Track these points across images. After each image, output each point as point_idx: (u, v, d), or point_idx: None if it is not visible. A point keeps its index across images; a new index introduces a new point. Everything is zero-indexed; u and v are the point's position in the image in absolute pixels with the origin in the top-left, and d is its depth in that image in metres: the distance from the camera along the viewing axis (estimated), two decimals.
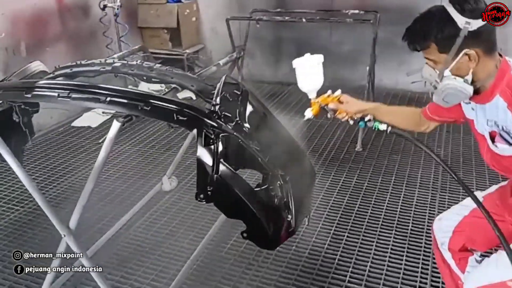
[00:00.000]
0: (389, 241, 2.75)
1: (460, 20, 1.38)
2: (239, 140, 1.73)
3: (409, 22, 1.50)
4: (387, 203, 3.15)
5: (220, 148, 1.68)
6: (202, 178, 1.65)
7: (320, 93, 1.83)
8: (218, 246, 2.72)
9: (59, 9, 4.71)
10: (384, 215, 3.02)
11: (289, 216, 1.75)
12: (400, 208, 3.08)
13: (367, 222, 2.95)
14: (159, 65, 2.13)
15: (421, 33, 1.44)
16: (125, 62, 2.16)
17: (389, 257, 2.60)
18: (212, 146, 1.67)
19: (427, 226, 2.83)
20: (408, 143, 3.87)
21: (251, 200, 1.67)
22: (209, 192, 1.65)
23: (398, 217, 2.98)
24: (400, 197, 3.21)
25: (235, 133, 1.73)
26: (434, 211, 3.02)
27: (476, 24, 1.38)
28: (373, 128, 1.70)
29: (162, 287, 2.43)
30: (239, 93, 1.93)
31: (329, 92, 1.81)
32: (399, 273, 2.48)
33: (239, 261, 2.62)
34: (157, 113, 1.72)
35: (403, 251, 2.65)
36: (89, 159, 4.00)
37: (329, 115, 1.79)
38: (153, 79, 2.11)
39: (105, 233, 2.81)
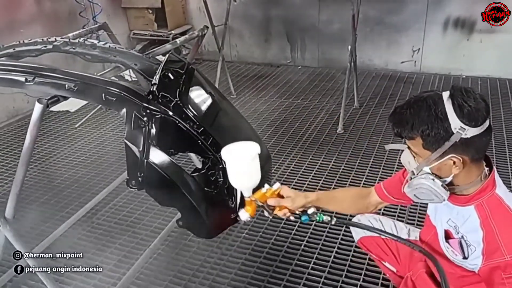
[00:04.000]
0: None
1: (455, 123, 1.22)
2: (177, 122, 1.62)
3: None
4: (362, 186, 3.02)
5: (153, 130, 1.57)
6: (132, 164, 1.54)
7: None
8: (182, 233, 2.61)
9: None
10: None
11: (232, 202, 1.64)
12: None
13: None
14: (103, 42, 2.00)
15: (409, 122, 1.27)
16: (67, 40, 2.02)
17: (356, 242, 2.48)
18: (143, 129, 1.55)
19: (399, 212, 2.71)
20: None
21: (185, 186, 1.56)
22: (139, 179, 1.54)
23: None
24: (375, 180, 3.08)
25: (172, 114, 1.61)
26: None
27: (472, 132, 1.21)
28: (318, 221, 1.45)
29: (118, 277, 2.34)
30: (182, 72, 1.80)
31: (267, 186, 1.47)
32: (364, 262, 2.36)
33: (203, 248, 2.52)
34: (84, 93, 1.61)
35: None
36: (64, 144, 3.91)
37: (266, 214, 1.47)
38: (95, 58, 1.97)
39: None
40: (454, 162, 1.26)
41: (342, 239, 2.54)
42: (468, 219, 1.34)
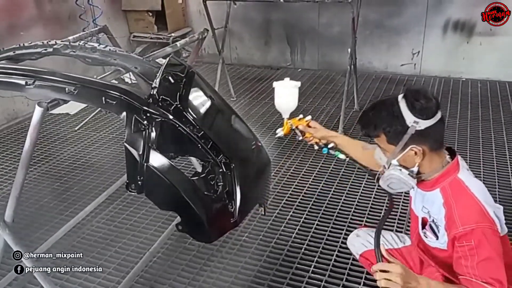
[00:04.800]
0: None
1: (409, 118, 1.43)
2: (177, 126, 1.61)
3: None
4: (362, 190, 3.03)
5: (154, 134, 1.57)
6: (132, 167, 1.54)
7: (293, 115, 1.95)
8: (182, 237, 2.60)
9: None
10: (357, 202, 2.91)
11: (231, 207, 1.64)
12: (374, 195, 2.95)
13: (339, 209, 2.84)
14: (103, 45, 2.00)
15: (372, 122, 1.51)
16: (67, 43, 2.02)
17: None
18: (143, 132, 1.55)
19: (400, 215, 2.71)
20: None
21: (185, 190, 1.55)
22: (139, 182, 1.53)
23: (371, 205, 2.86)
24: (375, 184, 3.07)
25: (172, 118, 1.61)
26: (407, 200, 2.87)
27: (424, 124, 1.42)
28: (334, 156, 1.87)
29: (118, 280, 2.33)
30: (183, 75, 1.80)
31: (301, 116, 1.92)
32: None
33: (203, 251, 2.51)
34: (84, 97, 1.60)
35: None
36: (64, 147, 3.91)
37: (297, 137, 1.90)
38: (96, 61, 1.97)
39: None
40: (416, 152, 1.45)
41: (343, 242, 2.53)
42: (435, 202, 1.51)
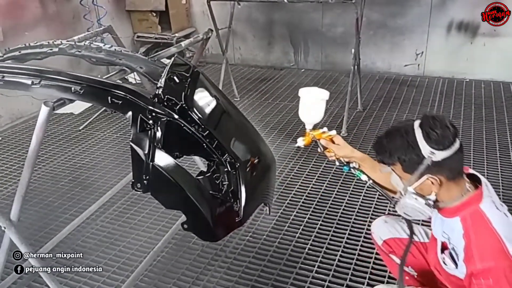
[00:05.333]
0: (362, 230, 2.62)
1: (425, 148, 1.38)
2: (182, 125, 1.62)
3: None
4: (365, 190, 3.02)
5: (159, 133, 1.57)
6: (137, 166, 1.54)
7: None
8: (186, 236, 2.61)
9: None
10: (361, 202, 2.91)
11: (236, 206, 1.64)
12: (378, 196, 2.94)
13: (343, 210, 2.84)
14: (108, 45, 2.01)
15: (387, 150, 1.46)
16: (73, 43, 2.03)
17: (361, 245, 2.49)
18: (149, 132, 1.56)
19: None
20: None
21: (191, 189, 1.56)
22: (145, 181, 1.54)
23: (375, 205, 2.86)
24: None
25: (177, 118, 1.62)
26: None
27: (441, 155, 1.37)
28: (355, 176, 1.75)
29: (122, 279, 2.34)
30: (188, 75, 1.80)
31: (325, 129, 1.82)
32: (368, 266, 2.36)
33: (206, 251, 2.52)
34: (90, 96, 1.61)
35: None
36: (68, 147, 3.92)
37: (319, 150, 1.80)
38: (101, 61, 1.98)
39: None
40: (432, 182, 1.41)
41: (346, 242, 2.54)
42: (455, 230, 1.45)
